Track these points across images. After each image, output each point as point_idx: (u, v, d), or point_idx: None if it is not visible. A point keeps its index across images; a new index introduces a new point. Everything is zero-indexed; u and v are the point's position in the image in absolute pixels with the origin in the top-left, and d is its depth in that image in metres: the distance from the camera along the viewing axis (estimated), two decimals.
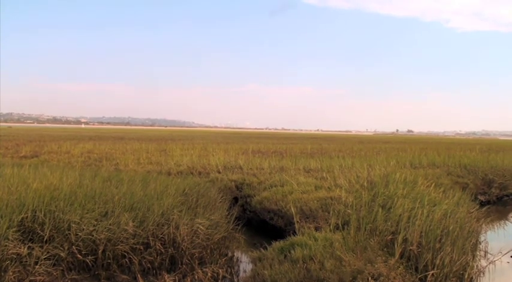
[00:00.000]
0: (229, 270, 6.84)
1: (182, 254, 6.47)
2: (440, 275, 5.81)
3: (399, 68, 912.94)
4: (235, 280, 6.69)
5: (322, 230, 7.51)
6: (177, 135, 59.03)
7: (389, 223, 7.11)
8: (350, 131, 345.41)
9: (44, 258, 5.57)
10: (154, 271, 6.23)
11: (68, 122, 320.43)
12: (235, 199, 11.69)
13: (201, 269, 6.33)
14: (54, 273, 5.52)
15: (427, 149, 31.31)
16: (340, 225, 7.60)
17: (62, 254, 5.73)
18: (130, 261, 6.11)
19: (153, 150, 22.45)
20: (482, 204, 13.13)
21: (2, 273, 5.22)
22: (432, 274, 5.76)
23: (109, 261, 6.01)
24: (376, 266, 5.59)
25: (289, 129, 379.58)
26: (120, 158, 17.47)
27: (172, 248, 6.46)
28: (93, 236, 6.00)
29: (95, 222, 6.23)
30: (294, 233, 7.75)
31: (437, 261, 5.90)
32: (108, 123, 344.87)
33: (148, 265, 6.22)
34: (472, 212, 9.30)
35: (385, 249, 6.38)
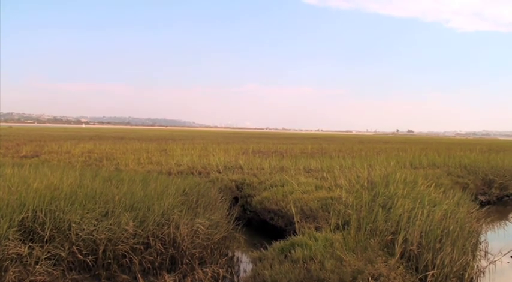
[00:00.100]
0: (229, 270, 6.84)
1: (182, 254, 6.47)
2: (441, 275, 5.81)
3: (399, 68, 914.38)
4: (236, 280, 6.69)
5: (322, 230, 7.51)
6: (178, 135, 59.05)
7: (389, 223, 7.10)
8: (350, 131, 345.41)
9: (45, 258, 5.57)
10: (154, 271, 6.23)
11: (68, 121, 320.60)
12: (236, 199, 11.69)
13: (202, 269, 6.33)
14: (55, 273, 5.52)
15: (427, 149, 31.31)
16: (340, 225, 7.59)
17: (62, 254, 5.74)
18: (130, 261, 6.11)
19: (154, 150, 22.45)
20: (482, 204, 13.13)
21: (3, 273, 5.23)
22: (432, 274, 5.76)
23: (109, 261, 6.01)
24: (377, 266, 5.59)
25: (289, 129, 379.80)
26: (121, 157, 17.47)
27: (172, 248, 6.46)
28: (93, 235, 6.00)
29: (96, 222, 6.22)
30: (294, 233, 7.75)
31: (438, 261, 5.90)
32: (109, 123, 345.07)
33: (149, 265, 6.22)
34: (472, 212, 9.29)
35: (385, 249, 6.38)
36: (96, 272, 5.94)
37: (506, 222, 12.98)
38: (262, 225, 10.14)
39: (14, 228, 5.72)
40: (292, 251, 6.39)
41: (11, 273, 5.20)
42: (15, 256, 5.40)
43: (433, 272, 5.78)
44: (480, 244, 8.37)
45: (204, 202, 8.45)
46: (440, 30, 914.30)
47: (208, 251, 6.79)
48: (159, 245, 6.37)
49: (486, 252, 8.35)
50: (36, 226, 6.01)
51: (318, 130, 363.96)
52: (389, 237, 6.68)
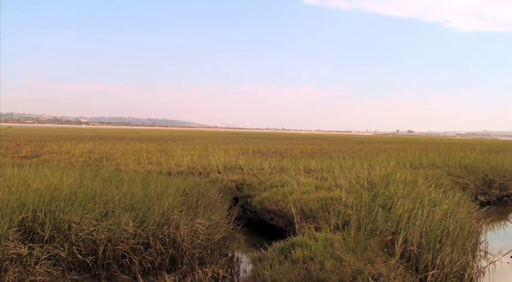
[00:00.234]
0: (229, 270, 6.84)
1: (182, 254, 6.48)
2: (441, 275, 5.81)
3: (399, 68, 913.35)
4: (236, 280, 6.69)
5: (322, 230, 7.51)
6: (178, 135, 59.07)
7: (389, 223, 7.10)
8: (350, 131, 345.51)
9: (44, 258, 5.57)
10: (154, 271, 6.23)
11: (68, 122, 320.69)
12: (236, 199, 11.69)
13: (201, 269, 6.33)
14: (55, 273, 5.53)
15: (427, 149, 31.32)
16: (340, 225, 7.59)
17: (62, 254, 5.74)
18: (130, 261, 6.11)
19: (154, 150, 22.46)
20: (482, 204, 13.12)
21: (2, 273, 5.23)
22: (432, 274, 5.76)
23: (109, 261, 6.01)
24: (377, 266, 5.59)
25: (289, 130, 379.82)
26: (121, 158, 17.48)
27: (172, 248, 6.46)
28: (93, 236, 6.01)
29: (95, 222, 6.23)
30: (294, 233, 7.74)
31: (438, 262, 5.90)
32: (109, 123, 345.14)
33: (149, 265, 6.22)
34: (472, 213, 9.29)
35: (385, 249, 6.38)
36: (96, 272, 5.94)
37: (506, 222, 12.98)
38: (262, 225, 10.14)
39: (14, 229, 5.72)
40: (292, 251, 6.39)
41: (11, 273, 5.21)
42: (15, 256, 5.41)
43: (433, 272, 5.78)
44: (480, 244, 8.37)
45: (204, 202, 8.45)
46: (440, 30, 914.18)
47: (208, 251, 6.79)
48: (159, 245, 6.37)
49: (486, 252, 8.35)
50: (36, 226, 6.01)
51: (318, 130, 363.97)
52: (389, 237, 6.68)
